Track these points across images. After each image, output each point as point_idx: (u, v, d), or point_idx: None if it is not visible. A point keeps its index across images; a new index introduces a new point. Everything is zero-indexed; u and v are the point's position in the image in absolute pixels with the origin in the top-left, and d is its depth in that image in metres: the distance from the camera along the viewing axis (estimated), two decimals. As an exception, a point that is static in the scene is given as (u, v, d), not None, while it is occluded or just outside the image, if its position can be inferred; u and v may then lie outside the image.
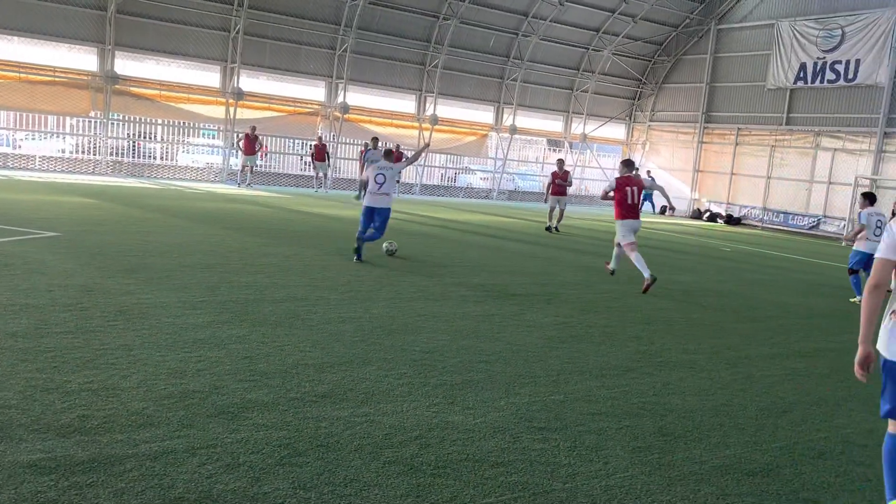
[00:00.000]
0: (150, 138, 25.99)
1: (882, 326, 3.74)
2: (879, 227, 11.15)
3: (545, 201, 19.65)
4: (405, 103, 29.46)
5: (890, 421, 3.79)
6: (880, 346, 3.72)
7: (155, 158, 26.04)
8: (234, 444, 3.99)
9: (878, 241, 12.00)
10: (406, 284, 9.22)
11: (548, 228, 18.67)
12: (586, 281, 11.09)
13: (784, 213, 28.68)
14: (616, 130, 35.19)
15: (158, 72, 24.45)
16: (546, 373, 5.94)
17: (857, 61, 26.06)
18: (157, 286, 7.73)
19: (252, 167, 24.71)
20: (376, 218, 11.04)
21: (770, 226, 28.69)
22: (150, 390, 4.67)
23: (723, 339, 7.88)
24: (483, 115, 31.53)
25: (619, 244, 11.13)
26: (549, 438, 4.53)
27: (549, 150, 34.87)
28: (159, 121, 25.42)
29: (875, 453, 4.82)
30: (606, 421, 4.95)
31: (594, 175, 35.66)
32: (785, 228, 28.23)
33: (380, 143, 22.32)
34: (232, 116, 25.40)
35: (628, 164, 11.33)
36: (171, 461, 3.71)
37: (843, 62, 26.51)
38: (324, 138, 25.95)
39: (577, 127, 33.56)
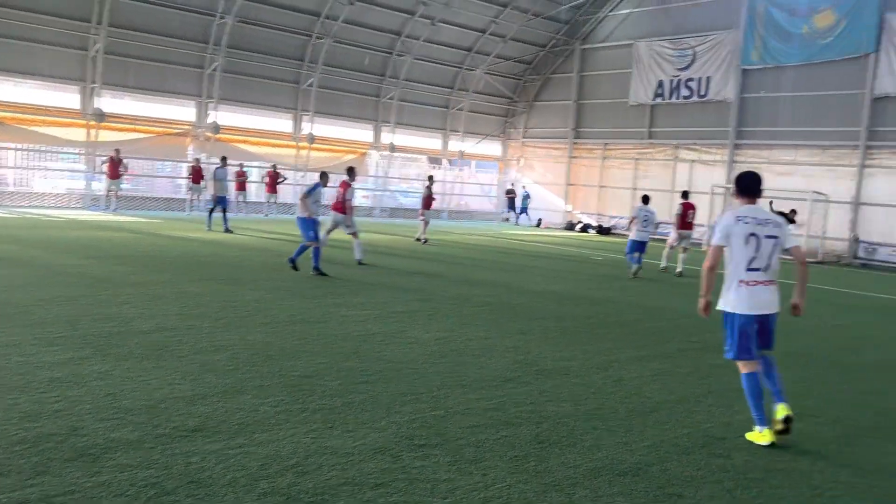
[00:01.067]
0: (1, 164, 24.14)
1: (726, 290, 5.26)
2: (646, 220, 15.20)
3: (420, 216, 20.81)
4: (281, 122, 29.00)
5: (740, 363, 5.29)
6: (728, 305, 5.22)
7: (7, 185, 24.19)
8: (95, 487, 3.75)
9: (645, 232, 15.03)
10: (284, 308, 9.02)
11: (418, 240, 20.10)
12: (465, 294, 11.25)
13: (650, 221, 30.33)
14: (492, 147, 36.11)
15: (8, 93, 22.83)
16: (427, 389, 5.97)
17: (708, 79, 28.11)
18: (9, 324, 7.16)
19: (118, 192, 23.47)
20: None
21: (638, 234, 30.24)
22: (0, 437, 4.31)
23: (595, 345, 8.22)
24: (362, 133, 31.52)
25: (328, 230, 13.75)
26: (430, 455, 4.55)
27: (431, 167, 35.29)
28: (11, 145, 23.65)
29: (732, 444, 5.17)
30: (485, 432, 5.03)
31: (474, 191, 36.41)
32: (651, 236, 29.80)
33: (228, 161, 21.63)
34: (94, 139, 24.04)
35: (350, 171, 13.99)
36: (22, 513, 3.43)
37: (696, 79, 28.53)
38: (201, 160, 25.08)
39: (455, 144, 34.17)
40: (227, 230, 18.65)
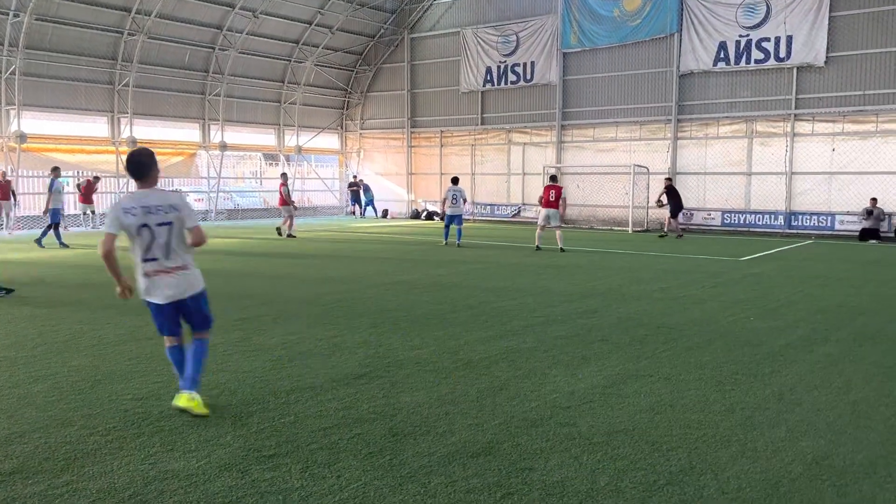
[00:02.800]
0: None
1: (137, 278, 5.23)
2: (455, 198, 18.23)
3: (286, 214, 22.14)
4: (97, 127, 26.89)
5: (165, 337, 5.47)
6: (142, 294, 5.25)
7: None
8: None
9: (456, 207, 16.96)
10: (112, 327, 8.36)
11: (278, 230, 21.78)
12: (313, 293, 11.00)
13: (490, 204, 31.27)
14: (330, 140, 35.59)
15: None
16: (275, 396, 5.75)
17: (532, 63, 29.25)
18: None
19: None
20: None
21: (480, 218, 31.09)
22: None
23: (445, 330, 8.30)
24: (188, 133, 29.94)
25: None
26: (280, 464, 4.37)
27: (268, 164, 34.21)
28: None
29: (577, 412, 5.39)
30: (338, 433, 4.92)
31: (315, 186, 35.75)
32: (493, 218, 30.80)
33: (61, 172, 20.19)
34: None
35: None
36: None
37: (521, 65, 29.58)
38: (7, 174, 22.70)
39: (291, 139, 33.34)
40: (38, 242, 18.08)
